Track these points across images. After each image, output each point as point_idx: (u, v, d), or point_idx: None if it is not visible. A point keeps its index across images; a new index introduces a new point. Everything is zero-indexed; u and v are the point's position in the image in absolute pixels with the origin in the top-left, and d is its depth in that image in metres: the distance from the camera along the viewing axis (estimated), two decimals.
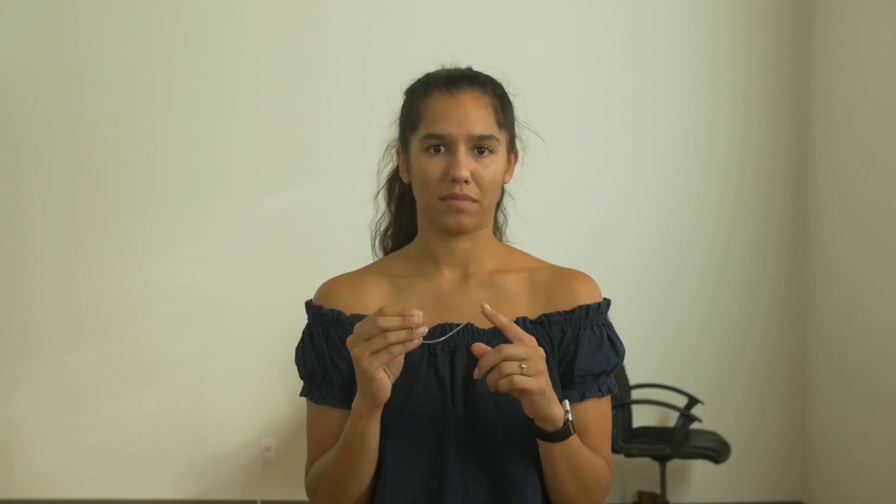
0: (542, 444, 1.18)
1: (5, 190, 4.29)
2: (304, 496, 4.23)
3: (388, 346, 1.08)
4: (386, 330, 1.07)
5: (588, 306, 1.27)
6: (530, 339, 1.11)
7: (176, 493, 4.25)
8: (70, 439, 4.25)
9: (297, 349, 1.32)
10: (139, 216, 4.28)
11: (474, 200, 1.22)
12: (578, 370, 1.25)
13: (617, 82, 4.31)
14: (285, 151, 4.29)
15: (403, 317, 1.07)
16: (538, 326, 1.26)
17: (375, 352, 1.08)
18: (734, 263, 4.31)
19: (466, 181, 1.20)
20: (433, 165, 1.22)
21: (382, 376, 1.11)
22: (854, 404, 3.88)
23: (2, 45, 4.28)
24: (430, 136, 1.22)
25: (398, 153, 1.32)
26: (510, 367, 1.08)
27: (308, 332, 1.31)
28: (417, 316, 1.07)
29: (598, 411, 1.27)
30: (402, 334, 1.07)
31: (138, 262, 4.27)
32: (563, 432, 1.15)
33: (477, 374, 1.09)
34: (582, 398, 1.26)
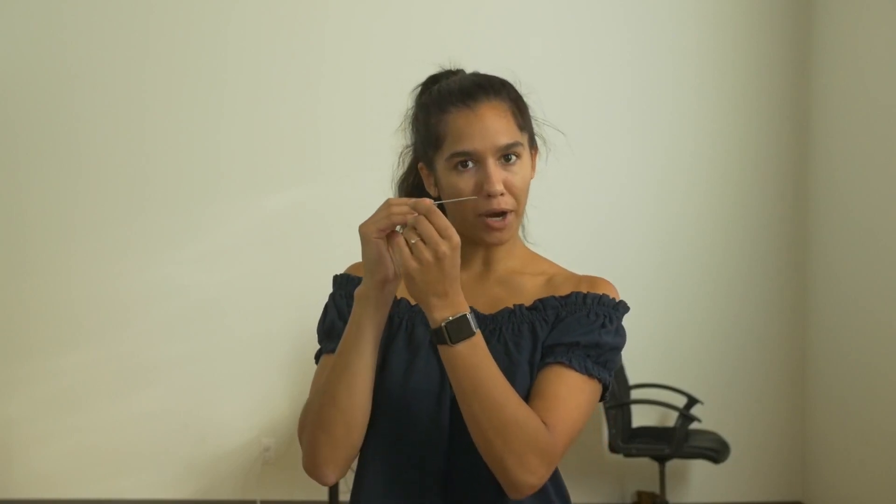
0: (441, 355, 1.14)
1: (5, 190, 4.29)
2: (304, 496, 4.19)
3: (390, 214, 1.12)
4: (391, 206, 1.13)
5: (586, 294, 1.26)
6: (446, 230, 1.09)
7: (176, 493, 4.25)
8: (70, 439, 4.25)
9: (320, 319, 1.34)
10: (139, 216, 4.28)
11: (511, 211, 1.24)
12: (549, 340, 1.23)
13: (617, 82, 4.31)
14: (285, 151, 4.30)
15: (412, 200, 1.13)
16: (534, 312, 1.26)
17: (377, 220, 1.13)
18: (734, 263, 4.31)
19: (501, 193, 1.22)
20: (464, 183, 1.23)
21: (378, 244, 1.14)
22: (854, 404, 3.89)
23: (2, 45, 4.28)
24: (456, 154, 1.23)
25: (421, 168, 1.33)
26: (407, 233, 1.10)
27: (332, 298, 1.34)
28: (426, 201, 1.12)
29: (560, 380, 1.19)
30: (403, 208, 1.12)
31: (138, 262, 4.27)
32: (437, 334, 1.12)
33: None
34: (544, 362, 1.22)
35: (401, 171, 1.41)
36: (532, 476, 1.13)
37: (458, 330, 1.11)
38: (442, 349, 1.13)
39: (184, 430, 4.25)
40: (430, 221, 1.09)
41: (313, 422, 1.22)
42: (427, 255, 1.09)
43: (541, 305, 1.26)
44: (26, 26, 4.27)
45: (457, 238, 1.10)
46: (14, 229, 4.30)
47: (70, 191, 4.29)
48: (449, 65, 1.35)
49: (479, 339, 1.13)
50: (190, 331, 4.27)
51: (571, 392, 1.20)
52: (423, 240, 1.09)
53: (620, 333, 1.26)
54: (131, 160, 4.28)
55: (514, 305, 1.27)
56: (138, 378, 4.26)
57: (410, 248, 1.10)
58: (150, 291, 4.27)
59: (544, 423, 1.16)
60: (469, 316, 1.12)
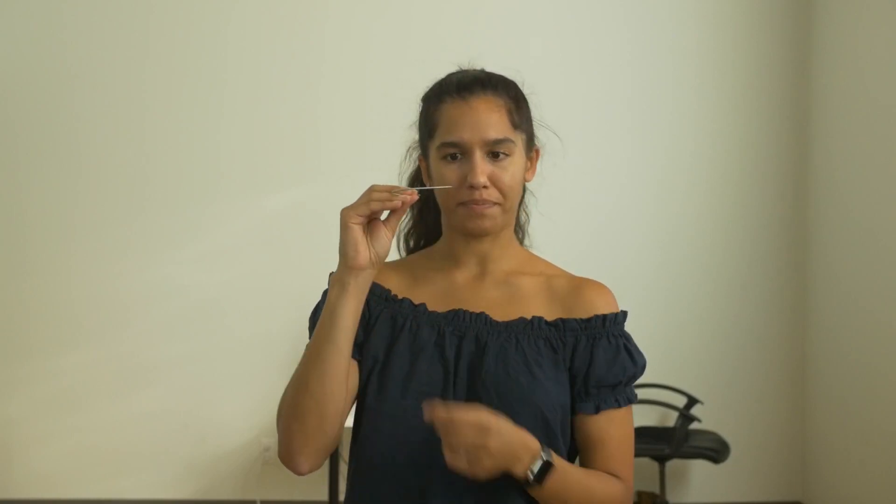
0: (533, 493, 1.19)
1: (5, 190, 4.29)
2: (303, 496, 4.18)
3: (369, 200, 1.16)
4: (372, 191, 1.17)
5: (605, 316, 1.27)
6: (476, 419, 1.11)
7: (176, 493, 4.25)
8: (70, 439, 4.25)
9: (311, 314, 1.35)
10: (139, 216, 4.28)
11: (495, 203, 1.24)
12: (593, 381, 1.25)
13: (617, 82, 4.31)
14: (285, 151, 4.29)
15: (394, 188, 1.17)
16: (553, 328, 1.27)
17: (356, 206, 1.17)
18: (734, 263, 4.31)
19: (485, 186, 1.22)
20: (451, 173, 1.24)
21: (356, 230, 1.17)
22: (854, 404, 3.89)
23: (2, 45, 4.28)
24: (445, 144, 1.24)
25: (420, 159, 1.34)
26: (454, 457, 1.12)
27: (325, 295, 1.34)
28: (408, 189, 1.17)
29: (615, 423, 1.25)
30: (384, 195, 1.16)
31: (138, 262, 4.27)
32: (528, 483, 1.16)
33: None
34: (597, 410, 1.25)
35: (407, 166, 1.42)
36: None
37: (543, 472, 1.15)
38: (533, 490, 1.17)
39: (184, 430, 4.25)
40: (456, 422, 1.11)
41: (287, 410, 1.22)
42: (479, 452, 1.11)
43: (561, 325, 1.27)
44: (26, 26, 4.26)
45: (484, 414, 1.12)
46: (14, 229, 4.30)
47: (70, 191, 4.29)
48: (466, 64, 1.35)
49: (556, 459, 1.16)
50: (190, 331, 4.27)
51: (625, 430, 1.26)
52: (467, 447, 1.11)
53: (639, 350, 1.31)
54: (131, 160, 4.28)
55: (532, 317, 1.27)
56: (138, 378, 4.26)
57: (468, 459, 1.11)
58: (150, 291, 4.27)
59: (616, 475, 1.23)
60: (543, 453, 1.15)
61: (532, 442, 1.15)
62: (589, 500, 1.19)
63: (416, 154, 1.39)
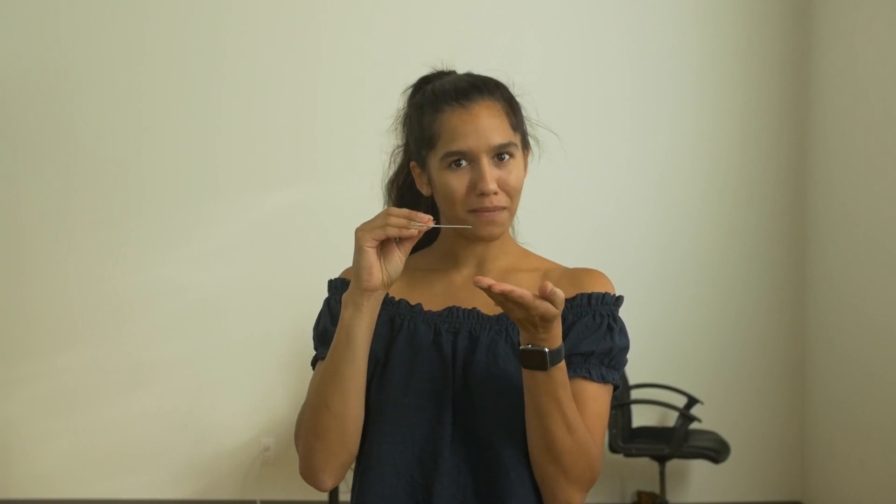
0: (527, 381, 1.16)
1: (4, 190, 4.29)
2: (303, 496, 4.18)
3: (385, 225, 1.15)
4: (389, 215, 1.16)
5: (590, 294, 1.27)
6: (545, 305, 1.10)
7: (175, 493, 4.25)
8: (70, 439, 4.25)
9: (315, 324, 1.35)
10: (137, 216, 4.28)
11: (504, 208, 1.24)
12: (567, 349, 1.23)
13: (617, 82, 4.31)
14: (283, 151, 4.30)
15: (411, 213, 1.16)
16: None
17: (372, 229, 1.16)
18: (734, 263, 4.31)
19: (495, 192, 1.22)
20: (458, 181, 1.23)
21: (370, 253, 1.16)
22: (853, 404, 3.89)
23: (2, 45, 4.28)
24: (451, 153, 1.23)
25: (413, 167, 1.33)
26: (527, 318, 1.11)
27: (326, 303, 1.35)
28: (425, 217, 1.15)
29: (584, 395, 1.22)
30: (401, 220, 1.15)
31: (137, 261, 4.27)
32: (538, 357, 1.14)
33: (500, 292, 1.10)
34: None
35: (391, 172, 1.41)
36: (579, 497, 1.21)
37: (557, 356, 1.14)
38: (533, 374, 1.14)
39: (184, 430, 4.25)
40: (529, 304, 1.09)
41: (307, 429, 1.23)
42: (539, 325, 1.12)
43: None
44: (26, 26, 4.27)
45: (553, 309, 1.11)
46: (12, 229, 4.30)
47: (68, 190, 4.29)
48: (441, 66, 1.35)
49: (564, 364, 1.16)
50: (189, 331, 4.27)
51: (597, 405, 1.23)
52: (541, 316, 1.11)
53: (625, 332, 1.28)
54: (129, 160, 4.28)
55: None
56: (137, 378, 4.26)
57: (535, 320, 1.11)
58: (149, 291, 4.27)
59: None
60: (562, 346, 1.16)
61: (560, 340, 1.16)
62: (573, 420, 1.17)
63: (399, 159, 1.39)
